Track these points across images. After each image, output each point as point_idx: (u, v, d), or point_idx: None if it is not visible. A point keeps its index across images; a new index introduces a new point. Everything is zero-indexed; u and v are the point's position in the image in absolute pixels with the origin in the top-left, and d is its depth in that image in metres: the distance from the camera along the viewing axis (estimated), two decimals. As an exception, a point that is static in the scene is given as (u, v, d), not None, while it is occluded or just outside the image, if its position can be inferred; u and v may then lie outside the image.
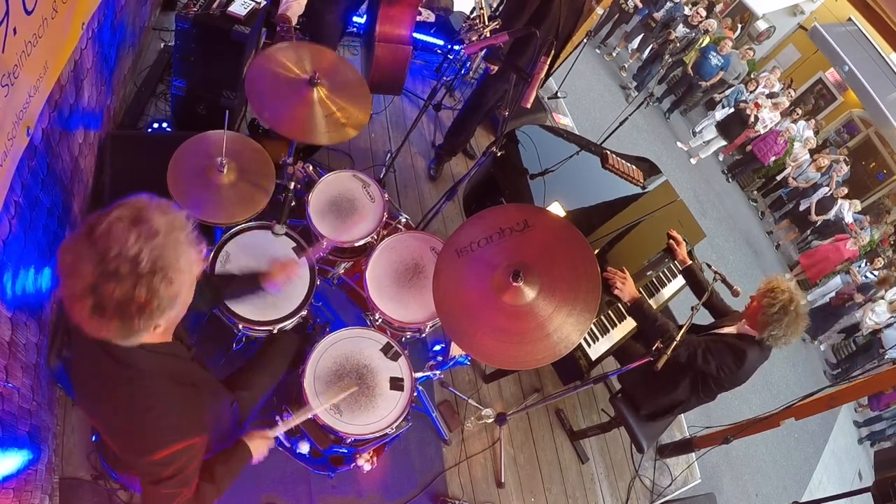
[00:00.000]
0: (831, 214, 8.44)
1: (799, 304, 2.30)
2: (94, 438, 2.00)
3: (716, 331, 2.57)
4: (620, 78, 8.66)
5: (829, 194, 8.41)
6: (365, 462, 2.19)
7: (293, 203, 2.26)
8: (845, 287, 8.02)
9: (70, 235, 0.98)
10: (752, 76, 8.91)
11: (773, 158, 8.68)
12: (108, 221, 0.95)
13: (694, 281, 2.79)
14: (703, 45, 8.37)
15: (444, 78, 4.19)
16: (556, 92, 5.37)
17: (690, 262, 2.83)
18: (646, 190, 3.11)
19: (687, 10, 8.48)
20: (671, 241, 2.90)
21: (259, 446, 1.54)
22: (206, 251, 1.10)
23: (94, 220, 0.96)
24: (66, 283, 0.95)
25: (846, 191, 8.44)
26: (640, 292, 2.56)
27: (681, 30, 8.25)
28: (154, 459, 1.13)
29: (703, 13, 8.39)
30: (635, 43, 8.94)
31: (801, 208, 8.70)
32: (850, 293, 7.91)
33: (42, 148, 1.78)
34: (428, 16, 4.24)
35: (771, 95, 8.56)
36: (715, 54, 8.25)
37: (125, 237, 0.94)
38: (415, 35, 3.25)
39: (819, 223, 8.57)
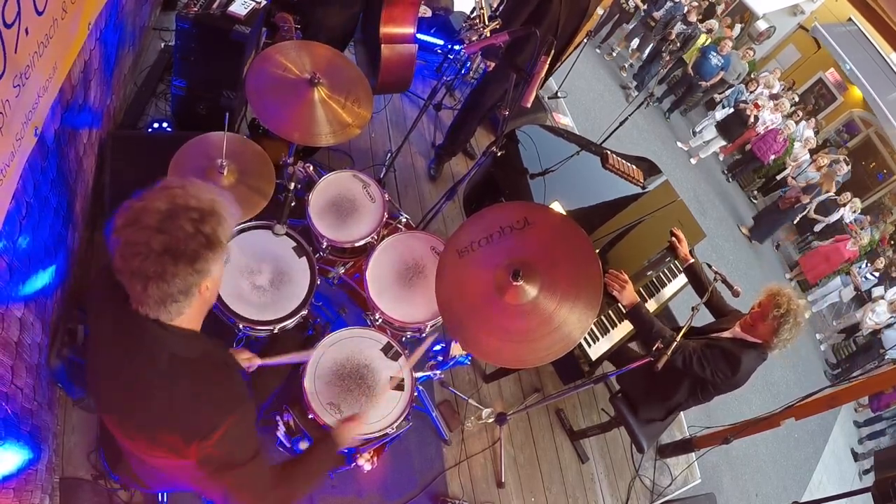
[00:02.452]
0: (831, 218, 8.45)
1: (800, 306, 2.33)
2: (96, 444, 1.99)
3: (712, 335, 2.57)
4: (620, 78, 8.67)
5: (830, 197, 8.41)
6: (365, 462, 2.19)
7: (293, 203, 2.26)
8: (791, 190, 8.21)
9: (120, 208, 1.06)
10: (752, 76, 8.91)
11: (772, 157, 8.68)
12: (162, 183, 1.08)
13: (695, 279, 2.79)
14: (704, 44, 8.37)
15: (445, 78, 4.19)
16: (556, 92, 5.38)
17: (692, 259, 2.84)
18: (646, 190, 3.11)
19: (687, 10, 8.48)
20: (673, 238, 2.91)
21: (346, 433, 1.56)
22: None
23: (145, 190, 1.07)
24: (135, 227, 1.01)
25: (849, 196, 8.42)
26: (638, 297, 2.55)
27: (679, 27, 8.25)
28: (213, 442, 1.10)
29: (698, 5, 8.39)
30: (635, 43, 8.95)
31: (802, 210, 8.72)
32: (796, 196, 8.10)
33: (53, 148, 1.79)
34: (425, 11, 4.23)
35: (773, 97, 8.56)
36: (715, 54, 8.26)
37: (184, 183, 1.08)
38: (416, 34, 3.24)
39: (820, 226, 8.58)
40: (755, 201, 9.46)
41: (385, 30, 2.92)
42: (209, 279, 1.10)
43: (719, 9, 10.24)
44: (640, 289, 2.82)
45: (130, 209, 1.03)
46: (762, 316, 2.34)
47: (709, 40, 8.44)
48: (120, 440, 1.27)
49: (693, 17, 8.20)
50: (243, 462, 1.16)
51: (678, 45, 8.24)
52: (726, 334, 2.52)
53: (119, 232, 1.03)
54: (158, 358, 1.11)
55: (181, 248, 1.02)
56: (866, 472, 7.01)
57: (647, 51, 8.67)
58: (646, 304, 2.61)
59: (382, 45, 2.94)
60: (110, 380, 1.17)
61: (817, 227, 8.66)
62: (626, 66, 8.78)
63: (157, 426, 1.11)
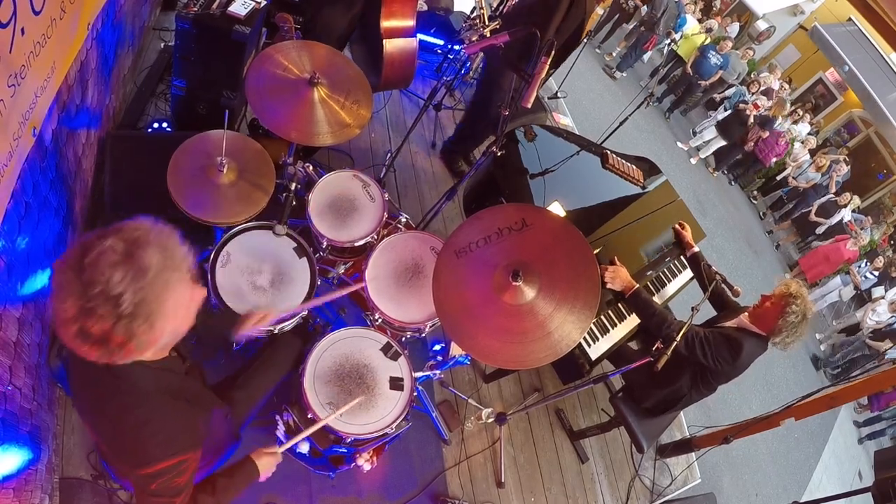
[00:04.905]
0: (833, 220, 8.45)
1: (812, 310, 2.34)
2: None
3: (716, 324, 2.58)
4: (603, 60, 8.63)
5: (832, 200, 8.42)
6: (365, 462, 2.19)
7: (293, 203, 2.26)
8: (752, 129, 8.27)
9: (64, 254, 0.95)
10: (751, 76, 8.91)
11: (774, 159, 8.68)
12: (99, 251, 0.92)
13: (699, 270, 2.80)
14: (703, 44, 8.35)
15: (445, 78, 4.19)
16: (556, 92, 5.38)
17: (697, 249, 2.85)
18: (646, 190, 3.11)
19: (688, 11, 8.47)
20: (676, 226, 2.94)
21: (267, 463, 1.54)
22: (205, 292, 1.09)
23: (88, 243, 0.93)
24: (55, 305, 0.94)
25: (849, 197, 8.43)
26: (635, 282, 2.55)
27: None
28: (146, 473, 1.14)
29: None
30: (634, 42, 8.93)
31: (803, 211, 8.72)
32: (756, 135, 8.23)
33: (52, 148, 1.79)
34: (420, 5, 4.23)
35: (766, 93, 8.54)
36: (714, 53, 8.25)
37: (111, 274, 0.91)
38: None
39: (822, 229, 8.58)
40: (755, 202, 9.45)
41: (386, 24, 2.91)
42: (153, 348, 1.03)
43: (718, 7, 10.23)
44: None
45: (54, 281, 0.94)
46: (774, 313, 2.34)
47: (708, 39, 8.43)
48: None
49: None
50: (169, 496, 1.19)
51: (657, 17, 8.05)
52: (730, 323, 2.53)
53: (52, 286, 0.95)
54: (118, 387, 1.13)
55: (97, 342, 0.95)
56: (835, 376, 7.33)
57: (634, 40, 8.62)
58: (643, 289, 2.61)
59: (384, 41, 2.93)
60: (80, 392, 1.22)
61: (819, 230, 8.66)
62: (614, 53, 8.75)
63: (106, 442, 1.18)
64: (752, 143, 8.36)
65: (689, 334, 2.36)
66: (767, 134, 8.22)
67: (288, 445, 1.66)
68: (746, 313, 2.49)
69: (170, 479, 1.16)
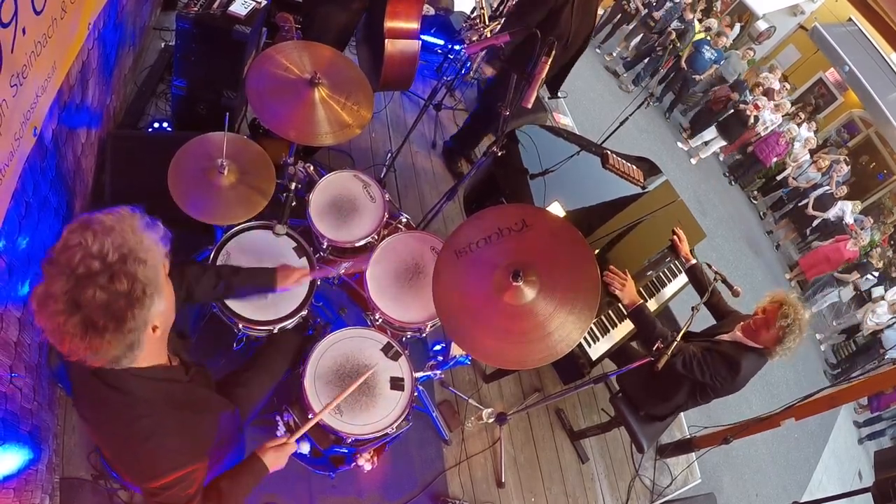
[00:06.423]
0: (830, 214, 8.43)
1: (805, 315, 2.33)
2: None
3: (713, 338, 2.57)
4: (607, 62, 8.66)
5: (828, 192, 8.41)
6: (365, 462, 2.19)
7: (294, 203, 2.27)
8: (720, 89, 8.33)
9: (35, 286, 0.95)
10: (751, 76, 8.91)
11: (774, 159, 8.68)
12: (61, 241, 0.93)
13: (696, 280, 2.80)
14: (697, 38, 8.35)
15: (445, 78, 4.19)
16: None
17: (695, 261, 2.84)
18: (646, 190, 3.11)
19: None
20: (674, 237, 2.91)
21: (274, 457, 1.50)
22: (165, 233, 1.05)
23: (49, 252, 0.93)
24: (45, 315, 0.92)
25: (846, 190, 8.44)
26: (640, 297, 2.55)
27: (674, 24, 8.22)
28: (153, 487, 1.13)
29: (692, 1, 8.40)
30: (635, 42, 8.94)
31: (801, 204, 8.72)
32: (726, 95, 8.23)
33: (52, 148, 1.79)
34: (428, 10, 4.23)
35: (766, 92, 8.55)
36: (708, 48, 8.24)
37: (82, 240, 0.91)
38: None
39: (818, 222, 8.57)
40: (755, 202, 9.45)
41: (389, 24, 2.91)
42: (155, 320, 1.02)
43: (717, 6, 10.23)
44: (640, 289, 2.81)
45: (35, 295, 0.92)
46: (766, 324, 2.33)
47: (703, 34, 8.42)
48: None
49: (689, 15, 8.18)
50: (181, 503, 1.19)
51: (676, 42, 8.18)
52: (726, 337, 2.51)
53: (36, 316, 0.93)
54: (117, 397, 1.10)
55: (102, 320, 0.92)
56: (835, 376, 7.25)
57: (639, 46, 8.65)
58: (646, 304, 2.61)
59: (386, 41, 2.93)
60: (84, 408, 1.19)
61: (816, 223, 8.64)
62: (614, 53, 8.77)
63: (112, 456, 1.16)
64: (722, 104, 8.28)
65: (686, 356, 2.35)
66: (738, 96, 8.18)
67: (299, 434, 1.59)
68: (741, 327, 2.47)
69: (180, 490, 1.15)
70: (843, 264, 8.17)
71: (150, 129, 2.93)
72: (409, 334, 2.26)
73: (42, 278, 0.92)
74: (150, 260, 0.97)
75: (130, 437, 1.11)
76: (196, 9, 2.49)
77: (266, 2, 2.68)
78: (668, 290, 3.00)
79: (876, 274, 8.30)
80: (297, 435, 1.59)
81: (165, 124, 2.94)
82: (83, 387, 1.15)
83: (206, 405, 1.35)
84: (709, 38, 8.36)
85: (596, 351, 2.63)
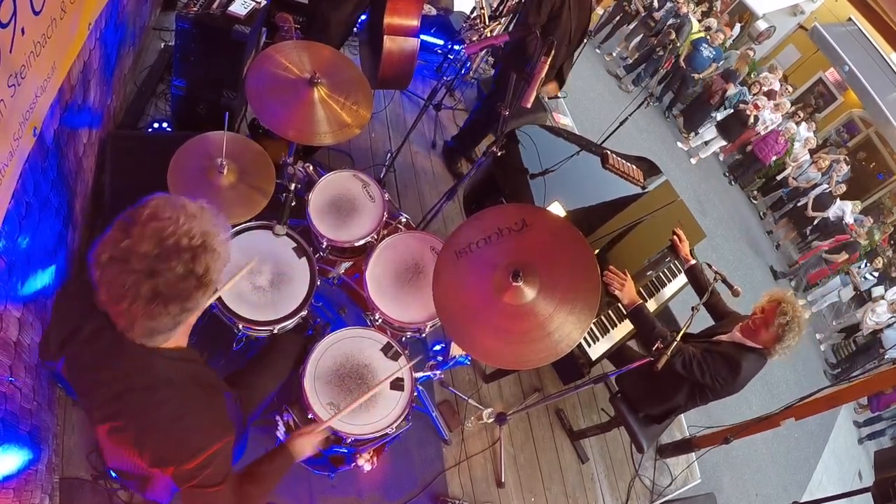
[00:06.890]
0: (829, 213, 8.43)
1: (803, 314, 2.34)
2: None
3: (712, 339, 2.57)
4: (608, 64, 8.66)
5: (827, 191, 8.41)
6: (365, 462, 2.19)
7: (293, 203, 2.26)
8: (714, 82, 8.37)
9: (105, 236, 0.98)
10: (751, 77, 8.90)
11: (773, 158, 8.67)
12: (148, 209, 0.98)
13: (696, 281, 2.79)
14: (695, 37, 8.34)
15: (445, 78, 4.19)
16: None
17: (694, 261, 2.83)
18: (646, 190, 3.11)
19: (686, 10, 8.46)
20: (674, 237, 2.90)
21: (301, 445, 1.52)
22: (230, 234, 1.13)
23: (132, 214, 0.99)
24: (117, 269, 0.95)
25: (844, 188, 8.43)
26: (640, 297, 2.55)
27: (670, 20, 8.21)
28: (192, 466, 1.12)
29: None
30: (635, 43, 8.94)
31: (800, 203, 8.72)
32: (720, 88, 8.29)
33: (53, 148, 1.79)
34: (428, 10, 4.23)
35: (768, 93, 8.55)
36: (706, 46, 8.24)
37: (175, 216, 0.98)
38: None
39: (817, 221, 8.57)
40: (755, 202, 9.45)
41: (389, 20, 2.90)
42: (204, 307, 1.09)
43: (717, 6, 10.23)
44: (640, 289, 2.81)
45: (116, 245, 0.95)
46: (765, 323, 2.33)
47: (701, 32, 8.41)
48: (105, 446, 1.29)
49: (684, 9, 8.16)
50: (214, 485, 1.18)
51: (675, 41, 8.16)
52: (725, 338, 2.51)
53: (104, 268, 0.96)
54: (142, 379, 1.11)
55: (171, 292, 0.98)
56: (835, 376, 7.20)
57: (640, 47, 8.65)
58: (646, 304, 2.61)
59: (385, 37, 2.92)
60: (94, 391, 1.17)
61: (816, 223, 8.64)
62: (614, 53, 8.77)
63: (139, 445, 1.13)
64: (718, 96, 8.33)
65: (686, 356, 2.35)
66: (731, 86, 8.21)
67: (329, 423, 1.59)
68: (740, 327, 2.46)
69: (215, 470, 1.15)
70: (842, 264, 8.18)
71: (149, 129, 2.93)
72: (408, 334, 2.26)
73: (121, 233, 0.96)
74: (222, 254, 1.05)
75: (163, 419, 1.12)
76: (196, 9, 2.49)
77: (266, 2, 2.68)
78: (668, 291, 3.00)
79: (875, 274, 8.31)
80: (327, 423, 1.59)
81: (165, 124, 2.94)
82: (99, 383, 1.14)
83: (219, 384, 1.36)
84: (707, 36, 8.36)
85: (596, 351, 2.63)
